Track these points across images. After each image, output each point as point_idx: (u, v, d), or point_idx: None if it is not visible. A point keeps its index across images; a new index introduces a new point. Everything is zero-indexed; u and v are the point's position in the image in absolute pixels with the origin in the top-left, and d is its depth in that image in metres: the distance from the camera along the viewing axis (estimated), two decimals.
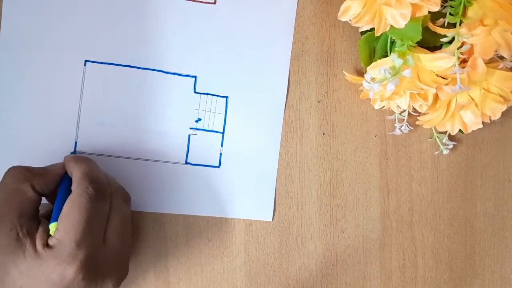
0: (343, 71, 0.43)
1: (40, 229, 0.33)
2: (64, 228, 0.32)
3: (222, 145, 0.42)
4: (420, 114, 0.41)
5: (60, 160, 0.40)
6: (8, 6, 0.39)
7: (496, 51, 0.35)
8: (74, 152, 0.40)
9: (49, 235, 0.33)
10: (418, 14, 0.34)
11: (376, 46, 0.40)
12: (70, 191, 0.35)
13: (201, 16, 0.41)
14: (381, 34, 0.36)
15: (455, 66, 0.35)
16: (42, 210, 0.35)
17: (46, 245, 0.32)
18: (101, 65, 0.41)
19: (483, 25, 0.34)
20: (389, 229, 0.44)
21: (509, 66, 0.37)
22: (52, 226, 0.33)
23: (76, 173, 0.35)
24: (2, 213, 0.32)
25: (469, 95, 0.38)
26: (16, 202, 0.33)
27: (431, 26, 0.35)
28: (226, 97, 0.42)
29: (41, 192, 0.34)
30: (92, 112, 0.40)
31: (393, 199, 0.45)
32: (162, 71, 0.41)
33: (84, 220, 0.32)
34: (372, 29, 0.36)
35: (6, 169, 0.34)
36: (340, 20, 0.37)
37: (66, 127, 0.40)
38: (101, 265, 0.33)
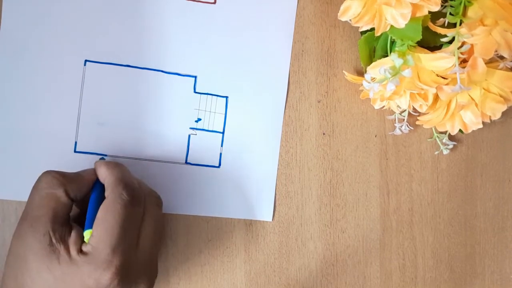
0: (343, 71, 0.43)
1: (73, 235, 0.33)
2: (99, 234, 0.32)
3: (222, 145, 0.42)
4: (420, 114, 0.41)
5: (59, 159, 0.40)
6: (8, 6, 0.39)
7: (496, 51, 0.35)
8: (74, 150, 0.40)
9: (82, 241, 0.33)
10: (418, 14, 0.34)
11: (376, 46, 0.40)
12: (102, 197, 0.35)
13: (201, 16, 0.41)
14: (381, 34, 0.36)
15: (455, 66, 0.35)
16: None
17: (81, 251, 0.32)
18: (101, 65, 0.41)
19: (483, 25, 0.34)
20: (389, 229, 0.44)
21: (509, 66, 0.37)
22: (87, 233, 0.33)
23: (109, 179, 0.35)
24: (36, 218, 0.33)
25: (469, 95, 0.38)
26: (50, 207, 0.33)
27: (431, 26, 0.35)
28: (226, 97, 0.42)
29: (74, 198, 0.34)
30: (92, 112, 0.40)
31: (393, 199, 0.44)
32: (162, 71, 0.41)
33: (119, 226, 0.32)
34: (372, 29, 0.36)
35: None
36: (340, 20, 0.37)
37: (66, 127, 0.40)
38: (134, 269, 0.33)
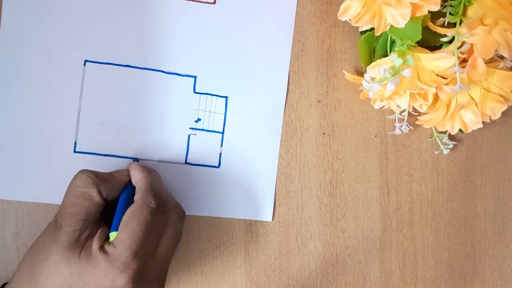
0: (343, 71, 0.43)
1: (99, 233, 0.34)
2: (122, 236, 0.33)
3: (222, 145, 0.42)
4: (420, 114, 0.41)
5: (59, 159, 0.40)
6: (8, 6, 0.39)
7: (496, 50, 0.35)
8: (74, 150, 0.40)
9: (106, 240, 0.34)
10: (418, 14, 0.34)
11: (376, 45, 0.40)
12: (131, 200, 0.36)
13: (201, 16, 0.41)
14: (381, 34, 0.36)
15: (455, 65, 0.35)
16: None
17: (102, 249, 0.33)
18: (101, 65, 0.41)
19: (483, 25, 0.34)
20: (389, 229, 0.44)
21: (509, 66, 0.37)
22: (112, 235, 0.34)
23: (141, 183, 0.36)
24: (70, 213, 0.34)
25: (469, 95, 0.38)
26: (83, 205, 0.34)
27: (431, 25, 0.35)
28: (226, 97, 0.42)
29: (106, 198, 0.35)
30: (91, 112, 0.40)
31: (393, 199, 0.44)
32: (162, 71, 0.41)
33: (142, 232, 0.33)
34: (372, 29, 0.36)
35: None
36: (340, 20, 0.37)
37: (66, 126, 0.40)
38: (148, 276, 0.34)
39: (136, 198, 0.35)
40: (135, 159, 0.41)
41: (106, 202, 0.36)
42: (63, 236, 0.33)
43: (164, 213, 0.35)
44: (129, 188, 0.37)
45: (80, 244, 0.33)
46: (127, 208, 0.34)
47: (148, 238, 0.33)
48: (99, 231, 0.34)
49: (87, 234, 0.33)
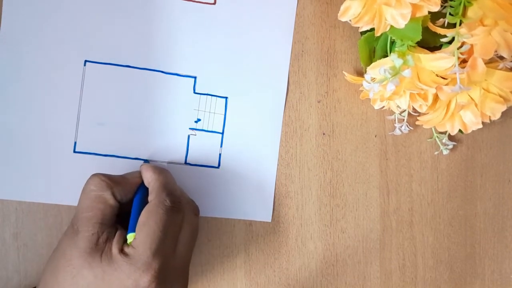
0: (343, 71, 0.43)
1: (117, 235, 0.34)
2: (140, 237, 0.33)
3: (221, 146, 0.42)
4: (420, 114, 0.41)
5: (59, 159, 0.40)
6: (8, 6, 0.39)
7: (496, 51, 0.35)
8: (74, 150, 0.40)
9: (125, 242, 0.34)
10: (418, 14, 0.34)
11: (376, 46, 0.40)
12: (145, 201, 0.36)
13: (201, 16, 0.41)
14: (381, 34, 0.36)
15: (455, 66, 0.35)
16: None
17: (122, 252, 0.33)
18: (101, 65, 0.41)
19: (483, 25, 0.34)
20: (389, 229, 0.44)
21: (509, 66, 0.37)
22: (130, 237, 0.34)
23: (154, 183, 0.36)
24: (86, 218, 0.34)
25: (469, 95, 0.38)
26: (99, 209, 0.34)
27: (431, 26, 0.35)
28: (226, 98, 0.42)
29: (120, 201, 0.36)
30: (91, 112, 0.40)
31: (393, 199, 0.44)
32: (162, 71, 0.41)
33: (160, 231, 0.33)
34: (372, 29, 0.36)
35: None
36: (340, 20, 0.37)
37: (66, 127, 0.40)
38: (171, 274, 0.34)
39: (150, 198, 0.36)
40: (146, 161, 0.41)
41: (121, 204, 0.36)
42: (82, 241, 0.33)
43: (180, 210, 0.35)
44: (142, 189, 0.37)
45: (99, 248, 0.33)
46: (142, 209, 0.35)
47: (166, 237, 0.34)
48: (117, 234, 0.34)
49: (105, 237, 0.34)
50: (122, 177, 0.37)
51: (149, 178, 0.37)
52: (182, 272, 0.36)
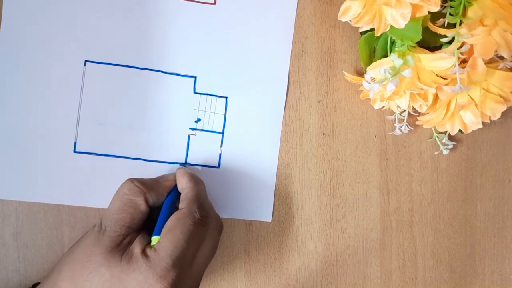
0: (343, 71, 0.43)
1: (140, 236, 0.35)
2: (164, 242, 0.33)
3: (221, 146, 0.42)
4: (420, 114, 0.41)
5: (59, 159, 0.40)
6: (8, 6, 0.39)
7: (496, 51, 0.35)
8: (74, 150, 0.40)
9: (147, 244, 0.34)
10: (418, 14, 0.34)
11: (376, 46, 0.40)
12: (174, 205, 0.36)
13: (201, 16, 0.41)
14: (381, 34, 0.36)
15: (455, 66, 0.35)
16: None
17: (144, 253, 0.33)
18: (101, 65, 0.41)
19: (483, 25, 0.34)
20: (389, 229, 0.44)
21: (509, 66, 0.37)
22: (155, 239, 0.34)
23: (188, 192, 0.37)
24: (116, 219, 0.35)
25: (469, 95, 0.38)
26: (129, 213, 0.35)
27: (431, 26, 0.35)
28: (226, 98, 0.42)
29: (152, 205, 0.36)
30: (91, 112, 0.40)
31: (393, 199, 0.45)
32: (162, 71, 0.41)
33: (185, 241, 0.34)
34: (372, 29, 0.36)
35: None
36: (340, 20, 0.37)
37: (66, 127, 0.40)
38: (184, 285, 0.34)
39: (181, 206, 0.36)
40: (182, 164, 0.41)
41: (151, 209, 0.36)
42: (106, 240, 0.33)
43: (206, 224, 0.36)
44: (174, 193, 0.37)
45: (121, 249, 0.33)
46: (170, 213, 0.35)
47: (189, 248, 0.34)
48: (140, 236, 0.35)
49: (129, 240, 0.34)
50: (156, 181, 0.37)
51: (184, 185, 0.37)
52: (195, 284, 0.36)
